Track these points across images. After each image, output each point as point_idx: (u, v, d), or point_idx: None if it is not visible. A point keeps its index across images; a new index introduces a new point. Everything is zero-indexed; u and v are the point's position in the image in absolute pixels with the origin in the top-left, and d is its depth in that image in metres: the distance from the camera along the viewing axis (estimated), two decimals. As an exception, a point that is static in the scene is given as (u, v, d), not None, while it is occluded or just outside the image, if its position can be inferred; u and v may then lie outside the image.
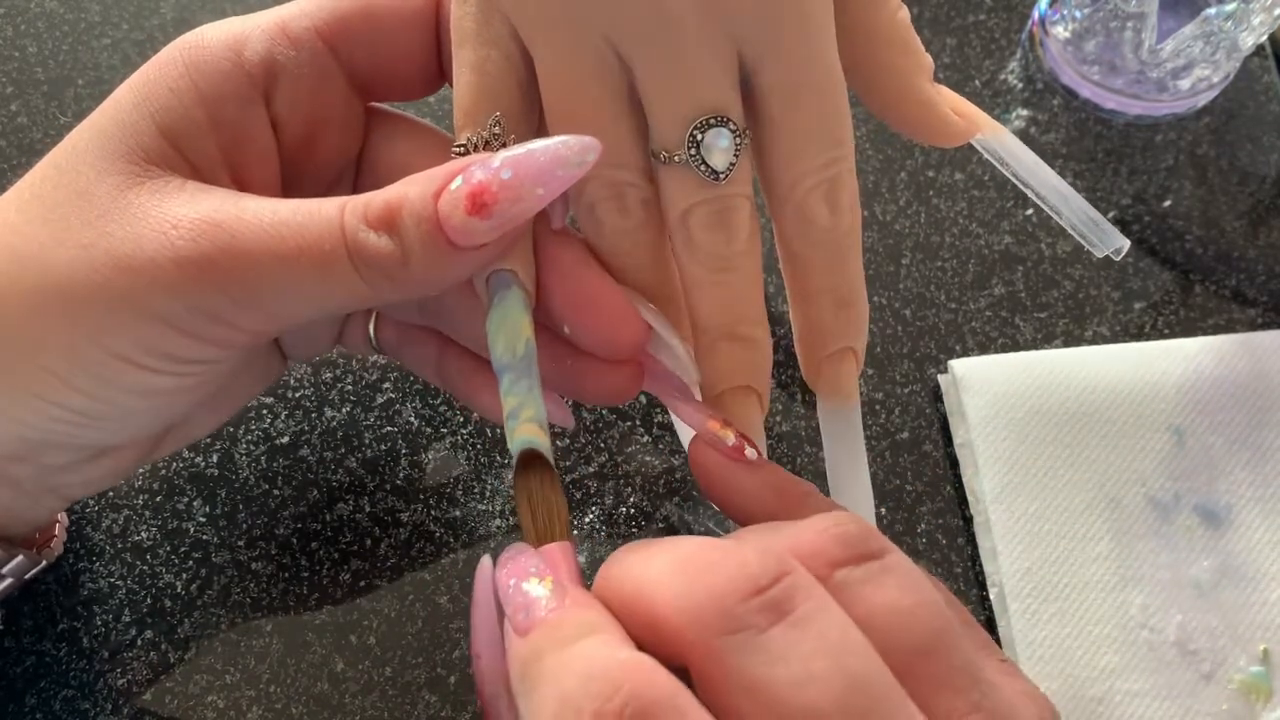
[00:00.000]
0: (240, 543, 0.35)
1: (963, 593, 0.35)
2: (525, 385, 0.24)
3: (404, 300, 0.28)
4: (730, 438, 0.25)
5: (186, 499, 0.35)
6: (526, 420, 0.23)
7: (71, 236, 0.23)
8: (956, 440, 0.37)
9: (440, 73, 0.28)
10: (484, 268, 0.24)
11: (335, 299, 0.24)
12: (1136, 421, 0.37)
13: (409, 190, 0.23)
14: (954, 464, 0.37)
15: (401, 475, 0.36)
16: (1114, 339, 0.40)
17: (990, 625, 0.35)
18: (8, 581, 0.30)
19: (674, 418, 0.37)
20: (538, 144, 0.23)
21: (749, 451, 0.25)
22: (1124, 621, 0.34)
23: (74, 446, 0.26)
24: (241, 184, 0.26)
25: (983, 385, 0.37)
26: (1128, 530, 0.36)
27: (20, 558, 0.30)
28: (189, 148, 0.25)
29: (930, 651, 0.20)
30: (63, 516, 0.33)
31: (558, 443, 0.37)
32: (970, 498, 0.36)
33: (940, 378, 0.38)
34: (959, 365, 0.38)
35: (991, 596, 0.35)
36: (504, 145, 0.24)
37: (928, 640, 0.20)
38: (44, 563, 0.31)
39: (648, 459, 0.36)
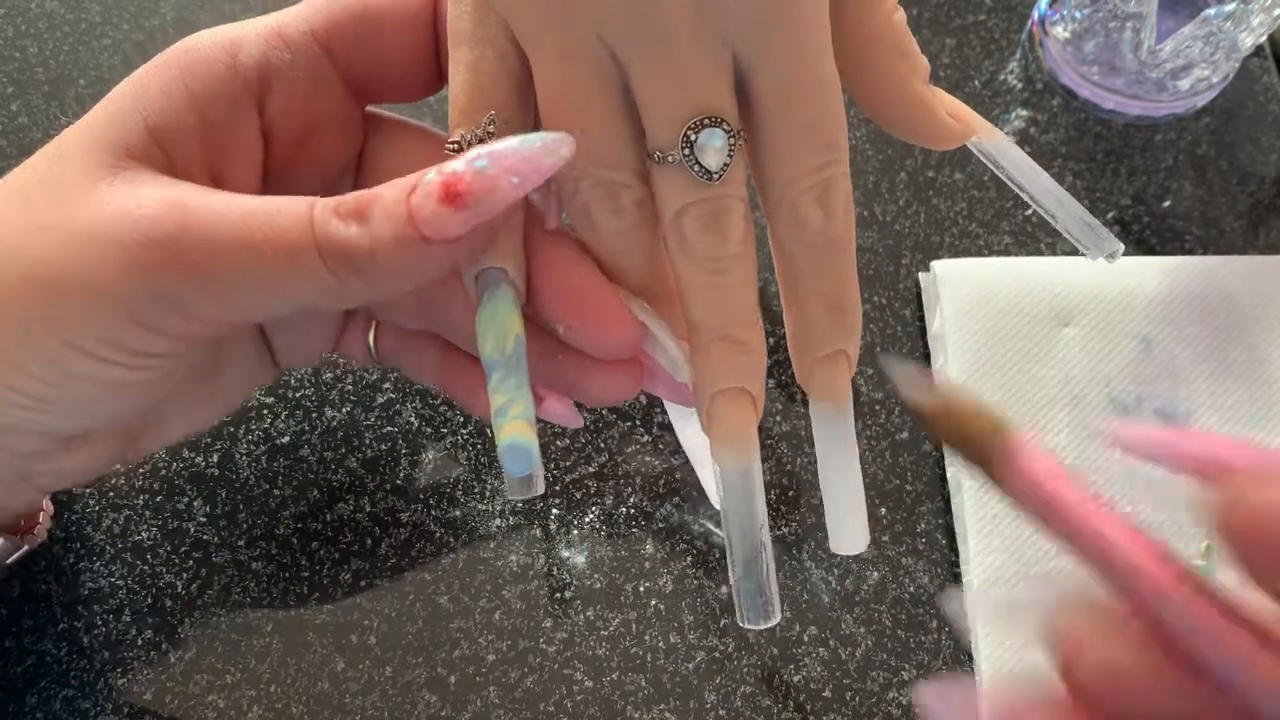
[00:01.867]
0: (240, 542, 0.35)
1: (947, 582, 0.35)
2: (514, 382, 0.24)
3: (375, 299, 0.27)
4: None
5: (187, 499, 0.35)
6: (515, 418, 0.23)
7: (35, 219, 0.23)
8: (931, 332, 0.38)
9: (439, 74, 0.28)
10: (456, 264, 0.24)
11: (301, 292, 0.24)
12: (1107, 327, 0.38)
13: (384, 189, 0.23)
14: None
15: (401, 475, 0.36)
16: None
17: (945, 502, 0.36)
18: None
19: (672, 418, 0.37)
20: (514, 138, 0.23)
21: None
22: None
23: (36, 433, 0.26)
24: (220, 185, 0.25)
25: (962, 280, 0.39)
26: (1087, 426, 0.37)
27: (1, 541, 0.30)
28: (173, 147, 0.25)
29: None
30: (47, 504, 0.33)
31: (558, 442, 0.37)
32: None
33: (921, 275, 0.40)
34: (940, 264, 0.39)
35: (949, 474, 0.36)
36: None
37: None
38: (26, 548, 0.31)
39: (648, 459, 0.36)
